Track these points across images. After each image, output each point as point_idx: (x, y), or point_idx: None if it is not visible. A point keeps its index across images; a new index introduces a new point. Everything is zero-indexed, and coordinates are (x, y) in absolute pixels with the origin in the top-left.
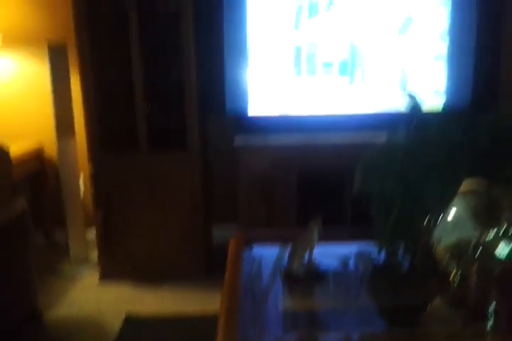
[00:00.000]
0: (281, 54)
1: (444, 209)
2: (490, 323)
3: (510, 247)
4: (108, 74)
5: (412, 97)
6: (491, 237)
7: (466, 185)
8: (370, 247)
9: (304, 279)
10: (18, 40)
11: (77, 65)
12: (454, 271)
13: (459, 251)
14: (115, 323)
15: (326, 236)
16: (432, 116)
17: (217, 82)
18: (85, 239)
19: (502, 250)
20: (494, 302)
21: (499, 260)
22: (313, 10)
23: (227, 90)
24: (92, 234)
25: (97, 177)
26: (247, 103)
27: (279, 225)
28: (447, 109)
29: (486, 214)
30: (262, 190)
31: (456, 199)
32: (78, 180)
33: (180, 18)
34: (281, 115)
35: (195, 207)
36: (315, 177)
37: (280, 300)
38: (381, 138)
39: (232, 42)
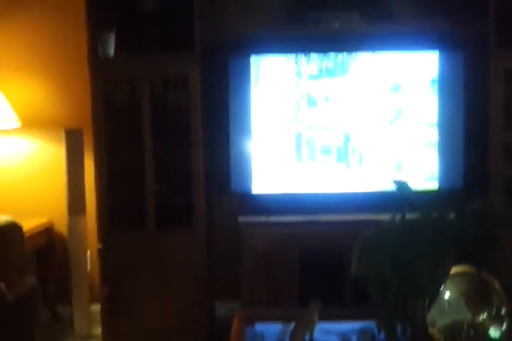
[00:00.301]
0: (283, 139)
1: (437, 291)
2: None
3: (501, 329)
4: (120, 157)
5: (402, 184)
6: (483, 319)
7: (456, 268)
8: (370, 327)
9: None
10: (37, 123)
11: (92, 148)
12: None
13: (453, 332)
14: None
15: (327, 316)
16: (423, 202)
17: (223, 163)
18: (90, 315)
19: (493, 332)
20: None
21: None
22: (311, 101)
23: (232, 170)
24: (96, 309)
25: (104, 254)
26: (251, 182)
27: (282, 303)
28: (439, 194)
29: (477, 297)
30: (264, 267)
31: (448, 282)
32: (86, 257)
33: (190, 107)
34: (284, 194)
35: (199, 283)
36: (317, 256)
37: None
38: (381, 217)
39: (238, 126)
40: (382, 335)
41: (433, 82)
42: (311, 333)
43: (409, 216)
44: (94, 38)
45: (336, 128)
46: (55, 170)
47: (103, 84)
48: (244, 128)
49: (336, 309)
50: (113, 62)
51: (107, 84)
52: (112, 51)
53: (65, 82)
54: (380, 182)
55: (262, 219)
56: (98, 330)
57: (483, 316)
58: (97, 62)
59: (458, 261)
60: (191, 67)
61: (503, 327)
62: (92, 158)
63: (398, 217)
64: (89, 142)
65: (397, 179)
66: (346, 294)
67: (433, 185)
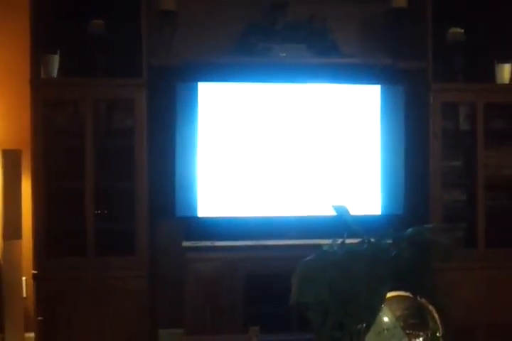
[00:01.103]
0: (229, 164)
1: (374, 316)
2: None
3: None
4: (60, 180)
5: (341, 210)
6: None
7: (392, 293)
8: None
9: None
10: None
11: (31, 171)
12: None
13: None
14: None
15: None
16: (362, 228)
17: (168, 187)
18: None
19: None
20: None
21: None
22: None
23: (177, 194)
24: (31, 338)
25: (40, 281)
26: (196, 207)
27: (226, 330)
28: (379, 220)
29: (413, 321)
30: (209, 293)
31: (385, 307)
32: (21, 283)
33: (135, 130)
34: (229, 217)
35: (142, 311)
36: (262, 281)
37: None
38: (324, 242)
39: (184, 150)
40: None
41: (375, 113)
42: None
43: (349, 242)
44: (38, 58)
45: (280, 155)
46: None
47: (44, 105)
48: (190, 153)
49: (280, 335)
50: (56, 83)
51: (48, 105)
52: (55, 72)
53: (5, 103)
54: (323, 207)
55: (207, 243)
56: None
57: (419, 340)
58: (38, 83)
59: (394, 287)
60: (137, 91)
61: None
62: (30, 180)
63: (337, 242)
64: (28, 163)
65: (336, 204)
66: (292, 319)
67: (375, 211)
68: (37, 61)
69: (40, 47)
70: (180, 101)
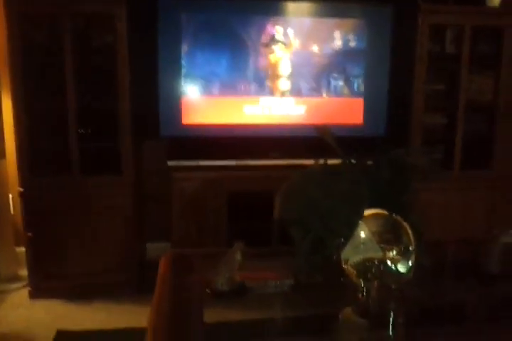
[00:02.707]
0: (213, 80)
1: (352, 232)
2: (390, 330)
3: (408, 264)
4: (41, 99)
5: (324, 131)
6: (393, 256)
7: (370, 211)
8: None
9: (228, 294)
10: None
11: (10, 90)
12: (361, 285)
13: (365, 268)
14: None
15: (252, 255)
16: (344, 149)
17: (151, 106)
18: (16, 258)
19: (401, 267)
20: (392, 313)
21: (400, 275)
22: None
23: (161, 113)
24: (22, 252)
25: (27, 198)
26: (180, 125)
27: (210, 244)
28: (361, 141)
29: (387, 236)
30: (194, 210)
31: (362, 223)
32: (8, 200)
33: (116, 47)
34: (214, 136)
35: (128, 226)
36: (245, 198)
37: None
38: (306, 162)
39: (167, 67)
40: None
41: (362, 32)
42: (233, 271)
43: (331, 162)
44: None
45: (265, 71)
46: None
47: (19, 19)
48: (173, 70)
49: (262, 248)
50: None
51: (24, 19)
52: None
53: None
54: (305, 129)
55: (192, 163)
56: (24, 272)
57: (392, 253)
58: None
59: (371, 205)
60: (118, 6)
61: (410, 263)
62: (11, 100)
63: (320, 163)
64: (7, 82)
65: (319, 125)
66: (274, 235)
67: (357, 133)
68: None
69: None
70: (161, 17)
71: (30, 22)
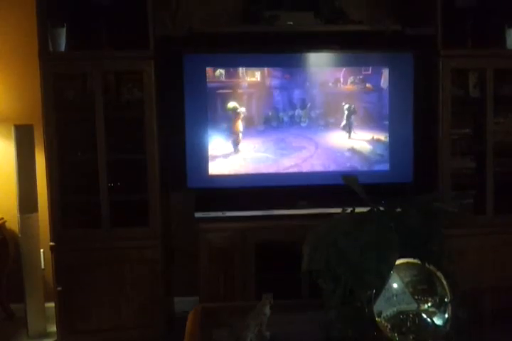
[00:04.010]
0: (240, 134)
1: (383, 283)
2: None
3: (444, 317)
4: (72, 153)
5: (351, 180)
6: (428, 308)
7: (401, 260)
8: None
9: None
10: None
11: (43, 145)
12: (396, 340)
13: (399, 321)
14: None
15: (282, 308)
16: (371, 197)
17: (178, 158)
18: (44, 313)
19: (438, 320)
20: None
21: (436, 328)
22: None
23: (188, 165)
24: (51, 307)
25: (58, 252)
26: (207, 177)
27: (239, 297)
28: (388, 188)
29: (421, 287)
30: (221, 263)
31: (394, 274)
32: (39, 254)
33: (144, 102)
34: (240, 187)
35: (156, 280)
36: (273, 250)
37: None
38: (334, 211)
39: (193, 121)
40: (332, 326)
41: (385, 81)
42: (263, 325)
43: (358, 210)
44: (45, 32)
45: (290, 123)
46: (6, 167)
47: (54, 78)
48: (200, 123)
49: (291, 301)
50: (64, 56)
51: (57, 78)
52: (63, 46)
53: (15, 78)
54: (334, 176)
55: (218, 214)
56: (53, 328)
57: (427, 305)
58: (47, 57)
59: (402, 254)
60: (145, 63)
61: (446, 315)
62: (44, 155)
63: (347, 211)
64: (41, 138)
65: (346, 175)
66: (303, 287)
67: (384, 179)
68: (44, 34)
69: (46, 21)
70: (187, 71)
71: (64, 80)
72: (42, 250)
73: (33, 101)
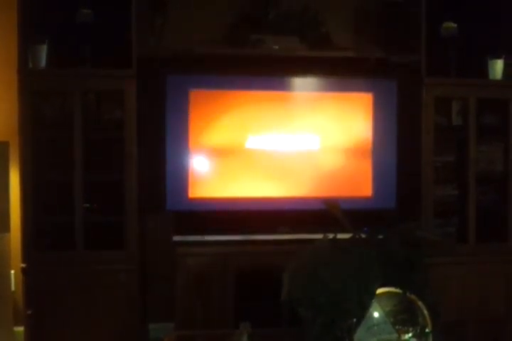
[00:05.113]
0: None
1: (364, 312)
2: None
3: None
4: (48, 172)
5: (332, 205)
6: (409, 337)
7: (382, 289)
8: None
9: None
10: None
11: (18, 163)
12: None
13: None
14: None
15: (260, 338)
16: (353, 224)
17: (158, 180)
18: (14, 337)
19: None
20: None
21: None
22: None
23: (168, 188)
24: (21, 331)
25: (29, 274)
26: (186, 200)
27: (216, 324)
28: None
29: (402, 316)
30: (199, 288)
31: (375, 303)
32: (10, 276)
33: (124, 122)
34: (221, 211)
35: (131, 305)
36: (253, 276)
37: None
38: (315, 236)
39: (175, 143)
40: None
41: (368, 107)
42: None
43: (340, 236)
44: (25, 48)
45: (272, 147)
46: None
47: (32, 95)
48: (181, 145)
49: (270, 330)
50: (43, 73)
51: (36, 95)
52: (43, 62)
53: None
54: (314, 202)
55: (197, 238)
56: None
57: (408, 335)
58: (26, 73)
59: (384, 283)
60: (127, 82)
61: None
62: (18, 172)
63: (329, 237)
64: (16, 155)
65: (327, 199)
66: (283, 315)
67: (366, 206)
68: (24, 51)
69: (27, 37)
70: (170, 93)
71: (42, 98)
72: (13, 271)
73: (11, 117)
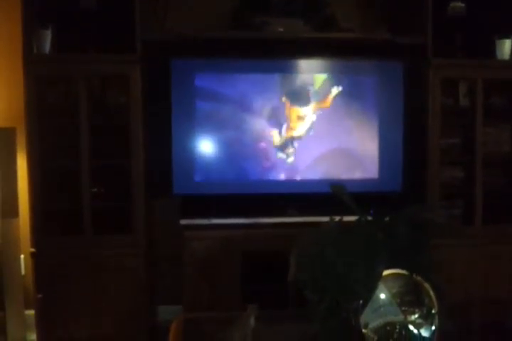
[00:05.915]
0: (227, 140)
1: (370, 294)
2: None
3: (431, 328)
4: (55, 158)
5: (339, 188)
6: (415, 319)
7: (388, 271)
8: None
9: None
10: None
11: (25, 149)
12: None
13: (386, 332)
14: None
15: (267, 319)
16: (359, 207)
17: (164, 164)
18: (24, 321)
19: (424, 331)
20: None
21: (423, 340)
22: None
23: (174, 171)
24: (31, 315)
25: (39, 259)
26: (193, 184)
27: (224, 306)
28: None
29: (408, 298)
30: (206, 271)
31: (381, 284)
32: (19, 261)
33: (130, 106)
34: (227, 194)
35: (140, 288)
36: (259, 258)
37: None
38: (321, 219)
39: (181, 126)
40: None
41: (374, 89)
42: (247, 337)
43: (346, 219)
44: (30, 34)
45: (278, 131)
46: None
47: (37, 81)
48: (187, 129)
49: (277, 312)
50: (48, 59)
51: (41, 81)
52: (47, 48)
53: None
54: (321, 184)
55: (204, 221)
56: (33, 336)
57: (414, 316)
58: (31, 59)
59: (390, 265)
60: (131, 67)
61: (433, 327)
62: (26, 158)
63: (335, 220)
64: (23, 142)
65: (334, 183)
66: (289, 297)
67: (373, 189)
68: (29, 37)
69: (31, 23)
70: (175, 77)
71: (47, 84)
72: (22, 256)
73: (17, 103)
